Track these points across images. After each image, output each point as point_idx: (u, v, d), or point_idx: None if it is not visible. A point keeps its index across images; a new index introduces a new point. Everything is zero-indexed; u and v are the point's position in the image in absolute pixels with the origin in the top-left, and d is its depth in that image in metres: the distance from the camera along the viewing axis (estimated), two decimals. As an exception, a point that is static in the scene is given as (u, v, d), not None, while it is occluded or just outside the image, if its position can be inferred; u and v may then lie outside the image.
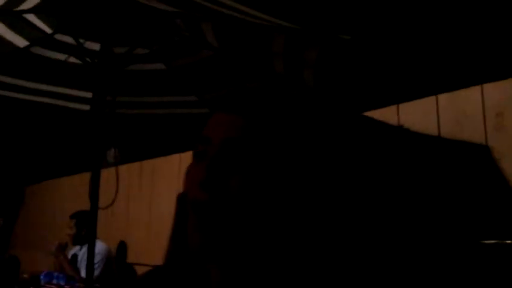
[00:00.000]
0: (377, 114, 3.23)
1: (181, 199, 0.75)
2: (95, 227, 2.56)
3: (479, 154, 0.86)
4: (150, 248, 4.77)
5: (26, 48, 3.11)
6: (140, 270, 4.76)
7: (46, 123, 5.71)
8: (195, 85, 3.47)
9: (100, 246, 4.16)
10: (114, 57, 2.80)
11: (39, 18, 2.92)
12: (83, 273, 4.13)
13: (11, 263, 5.11)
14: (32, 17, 2.88)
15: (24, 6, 2.54)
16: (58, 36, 3.16)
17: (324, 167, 0.73)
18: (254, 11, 2.19)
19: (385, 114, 3.30)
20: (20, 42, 3.03)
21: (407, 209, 0.74)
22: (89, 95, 3.59)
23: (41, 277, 3.98)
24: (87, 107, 3.68)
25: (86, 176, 2.61)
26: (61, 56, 3.31)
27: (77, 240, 4.51)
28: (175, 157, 4.83)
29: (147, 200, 5.38)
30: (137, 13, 2.72)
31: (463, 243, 0.73)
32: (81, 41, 3.07)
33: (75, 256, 4.50)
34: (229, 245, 0.70)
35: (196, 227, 0.71)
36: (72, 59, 3.27)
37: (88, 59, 2.84)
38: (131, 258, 5.25)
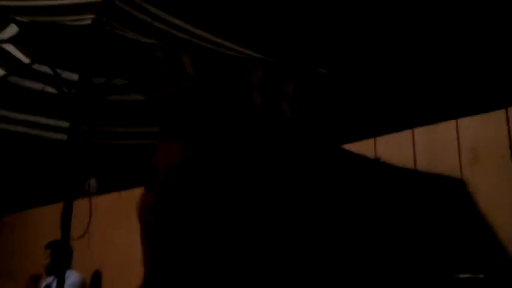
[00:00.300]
0: (354, 147, 3.26)
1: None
2: (69, 257, 2.53)
3: (454, 188, 0.87)
4: (127, 278, 4.68)
5: (3, 77, 3.09)
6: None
7: (23, 153, 5.63)
8: (174, 116, 3.46)
9: (73, 278, 4.07)
10: (92, 87, 2.78)
11: (17, 48, 2.90)
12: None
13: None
14: (9, 47, 2.86)
15: (2, 36, 2.53)
16: (36, 66, 3.14)
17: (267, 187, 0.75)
18: (232, 44, 2.21)
19: (363, 147, 3.33)
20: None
21: (383, 242, 0.74)
22: (66, 124, 3.56)
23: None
24: (64, 137, 3.64)
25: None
26: (38, 86, 3.28)
27: (51, 271, 4.40)
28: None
29: (124, 230, 5.30)
30: (116, 44, 2.72)
31: (437, 276, 0.72)
32: (59, 71, 3.06)
33: (48, 287, 4.38)
34: (180, 266, 0.70)
35: (146, 248, 0.72)
36: (50, 89, 3.24)
37: (65, 89, 2.82)
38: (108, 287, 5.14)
